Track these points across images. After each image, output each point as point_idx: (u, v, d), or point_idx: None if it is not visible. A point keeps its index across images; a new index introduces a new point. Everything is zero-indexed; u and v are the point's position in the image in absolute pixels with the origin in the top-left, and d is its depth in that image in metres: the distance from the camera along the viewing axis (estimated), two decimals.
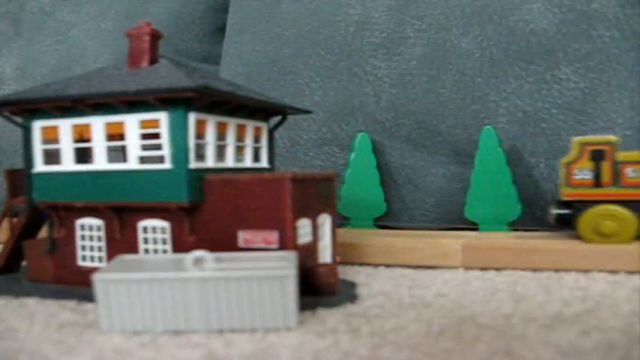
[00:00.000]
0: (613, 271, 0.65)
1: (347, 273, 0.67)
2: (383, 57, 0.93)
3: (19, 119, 0.63)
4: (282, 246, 0.54)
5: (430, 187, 0.90)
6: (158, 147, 0.56)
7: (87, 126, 0.59)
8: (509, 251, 0.68)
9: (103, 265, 0.60)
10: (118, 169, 0.58)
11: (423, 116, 0.89)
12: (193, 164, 0.56)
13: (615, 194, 0.70)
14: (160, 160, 0.56)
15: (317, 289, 0.54)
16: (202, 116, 0.57)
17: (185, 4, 1.21)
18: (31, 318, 0.52)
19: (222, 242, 0.56)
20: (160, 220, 0.58)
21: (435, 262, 0.71)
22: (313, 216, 0.59)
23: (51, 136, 0.61)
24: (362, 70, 0.94)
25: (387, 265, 0.72)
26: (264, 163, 0.68)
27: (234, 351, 0.42)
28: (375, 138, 0.91)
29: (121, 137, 0.58)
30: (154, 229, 0.59)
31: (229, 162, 0.62)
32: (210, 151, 0.59)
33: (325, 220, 0.62)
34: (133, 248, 0.59)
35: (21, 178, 0.65)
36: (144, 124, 0.57)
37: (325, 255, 0.62)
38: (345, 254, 0.71)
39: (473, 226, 0.85)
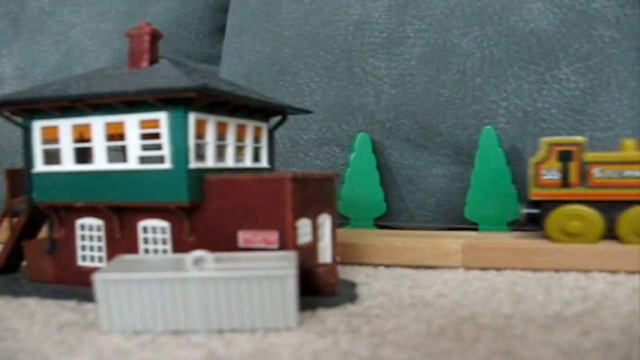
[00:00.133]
0: (613, 271, 0.65)
1: (347, 273, 0.67)
2: (383, 57, 0.93)
3: (19, 119, 0.63)
4: (282, 246, 0.54)
5: (430, 187, 0.90)
6: (158, 147, 0.56)
7: (87, 126, 0.59)
8: (509, 251, 0.69)
9: (103, 265, 0.60)
10: (118, 169, 0.58)
11: (423, 116, 0.89)
12: (193, 164, 0.56)
13: (583, 194, 0.70)
14: (160, 160, 0.56)
15: (317, 289, 0.54)
16: (202, 116, 0.57)
17: (185, 4, 1.21)
18: (31, 318, 0.52)
19: (222, 242, 0.56)
20: (159, 220, 0.58)
21: (435, 262, 0.71)
22: (313, 216, 0.59)
23: (51, 136, 0.61)
24: (362, 70, 0.94)
25: (387, 265, 0.72)
26: (264, 163, 0.68)
27: (234, 351, 0.42)
28: (375, 138, 0.91)
29: (121, 137, 0.58)
30: (153, 229, 0.59)
31: (229, 162, 0.62)
32: (210, 151, 0.59)
33: (325, 220, 0.62)
34: (133, 248, 0.59)
35: (21, 178, 0.65)
36: (144, 124, 0.57)
37: (325, 255, 0.62)
38: (345, 254, 0.71)
39: (473, 226, 0.85)
